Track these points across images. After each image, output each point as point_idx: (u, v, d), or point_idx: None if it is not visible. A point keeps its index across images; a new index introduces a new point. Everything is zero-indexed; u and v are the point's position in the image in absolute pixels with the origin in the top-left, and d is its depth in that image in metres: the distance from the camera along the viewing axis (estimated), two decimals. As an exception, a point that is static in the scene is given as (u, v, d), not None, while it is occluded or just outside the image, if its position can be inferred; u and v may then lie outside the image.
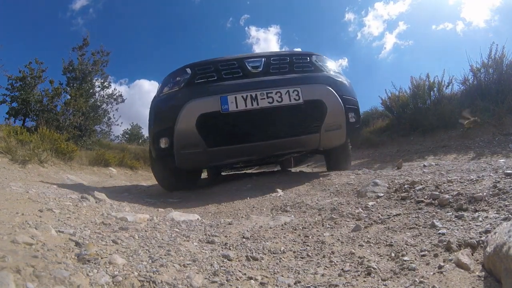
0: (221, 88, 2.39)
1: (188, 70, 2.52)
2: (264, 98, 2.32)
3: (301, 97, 2.36)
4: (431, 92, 5.44)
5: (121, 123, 10.71)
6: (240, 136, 2.42)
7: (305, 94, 2.37)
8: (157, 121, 2.55)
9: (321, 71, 2.65)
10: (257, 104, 2.30)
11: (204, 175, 6.00)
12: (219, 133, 2.39)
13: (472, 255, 0.80)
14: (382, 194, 1.55)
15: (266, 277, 0.82)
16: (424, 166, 2.64)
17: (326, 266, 0.88)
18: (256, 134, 2.44)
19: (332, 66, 2.82)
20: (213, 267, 0.85)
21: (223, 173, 6.62)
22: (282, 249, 1.01)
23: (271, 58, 2.57)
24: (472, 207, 1.12)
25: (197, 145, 2.34)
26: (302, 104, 2.36)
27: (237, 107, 2.29)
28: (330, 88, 2.50)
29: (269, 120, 2.41)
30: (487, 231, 0.88)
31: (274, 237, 1.14)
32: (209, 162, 2.60)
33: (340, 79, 2.67)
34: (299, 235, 1.15)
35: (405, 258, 0.85)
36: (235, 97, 2.30)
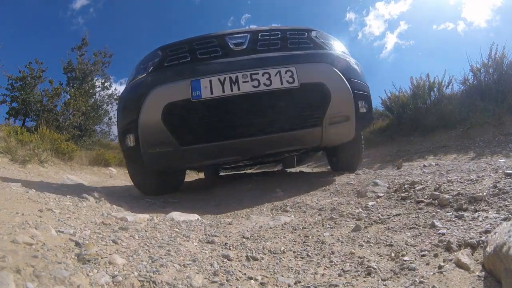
0: (193, 70, 1.93)
1: (159, 53, 2.11)
2: (248, 81, 1.84)
3: (297, 79, 1.87)
4: (431, 92, 5.45)
5: (122, 123, 10.72)
6: (218, 131, 1.95)
7: (301, 76, 1.88)
8: (123, 114, 2.14)
9: (323, 49, 2.14)
10: (238, 88, 1.83)
11: (202, 175, 6.00)
12: (191, 127, 1.95)
13: (472, 255, 0.80)
14: (382, 194, 1.55)
15: (266, 277, 0.82)
16: (424, 166, 2.64)
17: (326, 266, 0.88)
18: (238, 129, 1.95)
19: (338, 45, 2.29)
20: (213, 267, 0.86)
21: (222, 173, 6.61)
22: (282, 249, 1.01)
23: (259, 34, 2.08)
24: (472, 207, 1.12)
25: (167, 142, 1.91)
26: (297, 88, 1.87)
27: (212, 93, 1.82)
28: (334, 69, 2.00)
29: (255, 110, 1.94)
30: (487, 231, 0.88)
31: (274, 237, 1.14)
32: (184, 163, 2.17)
33: (347, 59, 2.17)
34: (299, 235, 1.15)
35: (405, 258, 0.85)
36: (210, 81, 1.84)
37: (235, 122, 1.95)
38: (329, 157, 3.09)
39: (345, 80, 2.00)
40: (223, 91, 1.83)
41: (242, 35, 2.09)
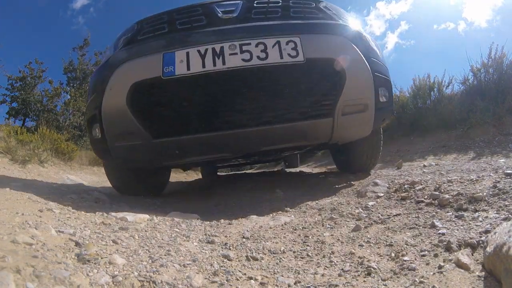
0: (168, 41, 1.58)
1: (135, 26, 1.77)
2: (236, 53, 1.46)
3: (301, 52, 1.48)
4: (431, 92, 5.45)
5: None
6: (196, 120, 1.57)
7: (308, 49, 1.49)
8: (89, 100, 1.79)
9: (335, 21, 1.73)
10: (223, 62, 1.45)
11: (198, 176, 5.99)
12: (162, 114, 1.58)
13: (472, 255, 0.80)
14: (382, 194, 1.55)
15: (266, 277, 0.82)
16: (424, 166, 2.64)
17: (326, 266, 0.88)
18: (223, 117, 1.56)
19: (352, 20, 1.85)
20: (213, 267, 0.85)
21: (222, 173, 6.60)
22: (282, 249, 1.01)
23: (255, 1, 1.68)
24: (472, 207, 1.12)
25: (135, 133, 1.56)
26: (302, 64, 1.48)
27: (188, 69, 1.46)
28: (350, 43, 1.60)
29: (245, 92, 1.55)
30: (487, 231, 0.88)
31: (274, 237, 1.14)
32: (159, 160, 1.78)
33: (365, 35, 1.78)
34: (299, 235, 1.15)
35: (405, 258, 0.85)
36: (187, 53, 1.47)
37: (219, 107, 1.55)
38: (336, 155, 2.63)
39: (363, 58, 1.60)
40: (203, 66, 1.45)
41: (234, 2, 1.69)
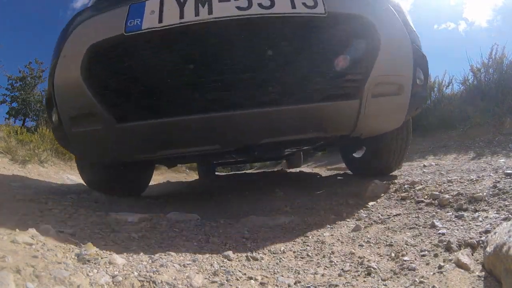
0: None
1: None
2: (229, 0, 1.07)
3: (321, 2, 1.08)
4: (431, 92, 5.45)
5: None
6: (170, 96, 1.17)
7: (330, 1, 1.10)
8: (49, 75, 1.41)
9: None
10: (210, 11, 1.05)
11: (196, 176, 5.99)
12: (126, 87, 1.18)
13: (472, 255, 0.80)
14: (382, 194, 1.55)
15: (266, 277, 0.82)
16: (424, 166, 2.64)
17: (326, 266, 0.88)
18: (207, 92, 1.15)
19: None
20: (213, 267, 0.85)
21: (220, 174, 6.58)
22: (282, 249, 1.01)
23: None
24: (472, 207, 1.12)
25: (94, 115, 1.18)
26: (323, 18, 1.09)
27: (160, 21, 1.07)
28: (386, 2, 1.24)
29: (241, 55, 1.13)
30: (487, 231, 0.88)
31: (274, 237, 1.14)
32: (128, 152, 1.38)
33: (400, 3, 1.37)
34: (299, 235, 1.15)
35: (405, 258, 0.85)
36: (161, 1, 1.09)
37: (202, 77, 1.13)
38: (347, 153, 2.13)
39: (402, 24, 1.22)
40: (181, 17, 1.06)
41: None
